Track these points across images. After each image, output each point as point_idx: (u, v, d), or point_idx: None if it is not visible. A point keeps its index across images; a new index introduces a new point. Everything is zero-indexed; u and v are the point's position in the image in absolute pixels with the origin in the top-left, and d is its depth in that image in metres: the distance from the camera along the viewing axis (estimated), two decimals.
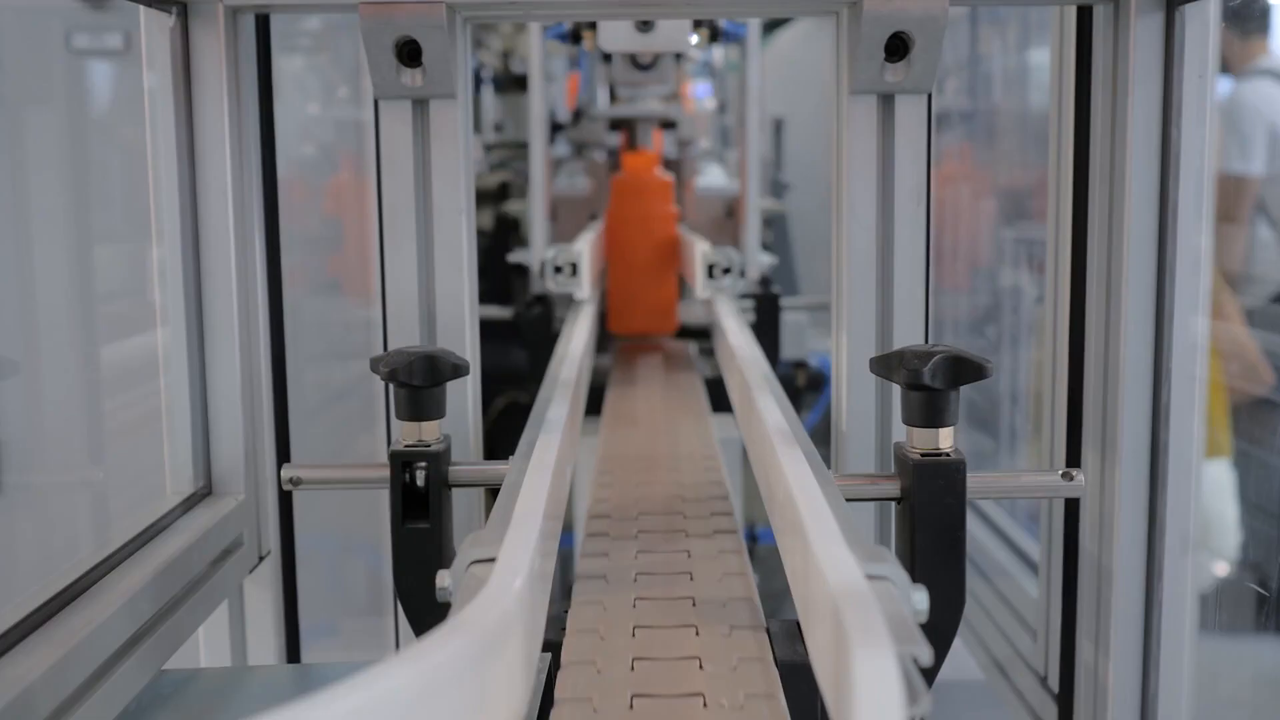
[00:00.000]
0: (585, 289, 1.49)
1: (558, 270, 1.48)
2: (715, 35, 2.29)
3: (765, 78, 3.18)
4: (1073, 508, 1.03)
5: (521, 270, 2.54)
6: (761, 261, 2.50)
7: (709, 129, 3.35)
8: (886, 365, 0.79)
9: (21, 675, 0.65)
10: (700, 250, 1.51)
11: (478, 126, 3.32)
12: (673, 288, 1.88)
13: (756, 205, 2.46)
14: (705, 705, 0.65)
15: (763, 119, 2.73)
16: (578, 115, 3.09)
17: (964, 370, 0.76)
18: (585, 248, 1.50)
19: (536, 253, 2.42)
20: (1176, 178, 0.91)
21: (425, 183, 0.97)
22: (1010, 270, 2.56)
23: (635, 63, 2.04)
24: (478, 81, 3.42)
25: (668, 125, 2.56)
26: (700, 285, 1.50)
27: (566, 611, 0.78)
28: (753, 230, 2.45)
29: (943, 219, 2.67)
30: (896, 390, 0.81)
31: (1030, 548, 1.67)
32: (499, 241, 2.85)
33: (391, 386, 0.85)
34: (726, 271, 1.50)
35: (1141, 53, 0.91)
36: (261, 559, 1.02)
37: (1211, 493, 1.79)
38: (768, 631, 0.74)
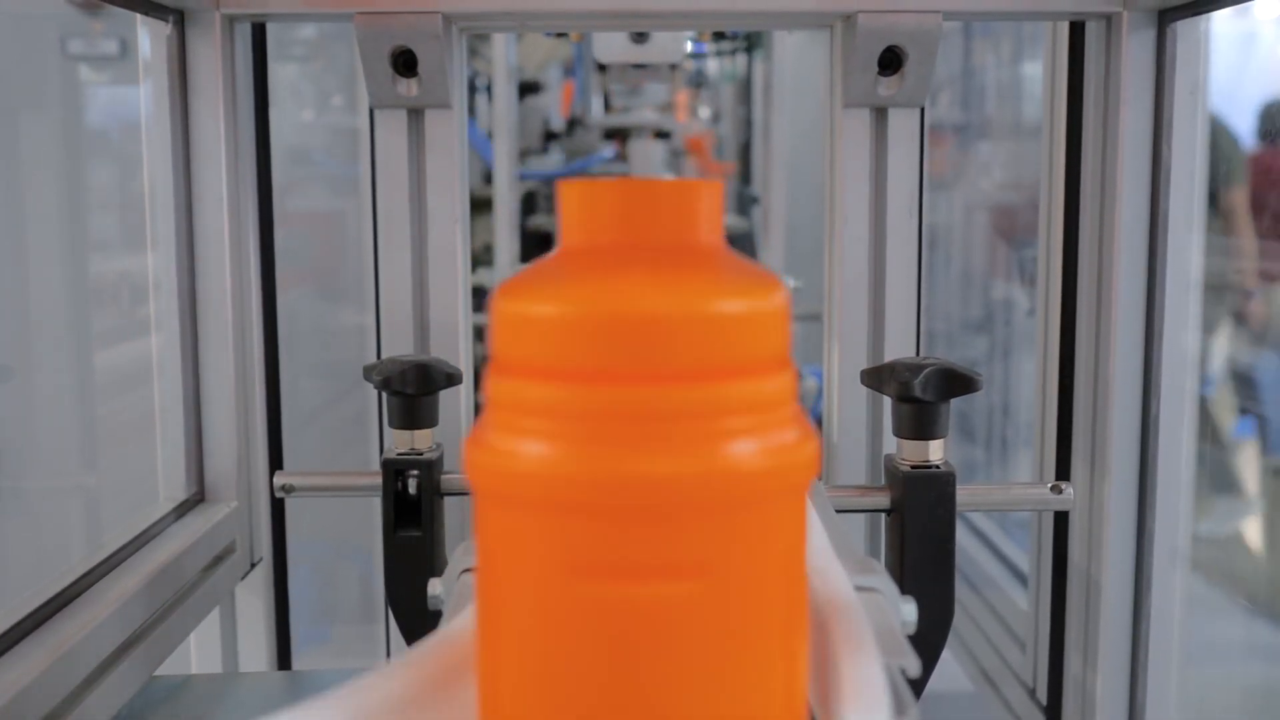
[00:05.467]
0: None
1: None
2: (721, 33, 2.26)
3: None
4: (1062, 520, 1.03)
5: None
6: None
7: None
8: (877, 377, 0.79)
9: (13, 681, 0.65)
10: None
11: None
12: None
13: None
14: None
15: (777, 132, 2.68)
16: (572, 124, 3.10)
17: (954, 383, 0.76)
18: None
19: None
20: (1167, 193, 0.92)
21: (420, 191, 0.97)
22: None
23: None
24: (473, 90, 3.43)
25: (662, 135, 2.56)
26: None
27: None
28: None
29: None
30: (888, 402, 0.81)
31: (1011, 552, 1.68)
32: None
33: (385, 395, 0.85)
34: None
35: (1133, 68, 0.92)
36: (253, 566, 1.02)
37: None
38: None
